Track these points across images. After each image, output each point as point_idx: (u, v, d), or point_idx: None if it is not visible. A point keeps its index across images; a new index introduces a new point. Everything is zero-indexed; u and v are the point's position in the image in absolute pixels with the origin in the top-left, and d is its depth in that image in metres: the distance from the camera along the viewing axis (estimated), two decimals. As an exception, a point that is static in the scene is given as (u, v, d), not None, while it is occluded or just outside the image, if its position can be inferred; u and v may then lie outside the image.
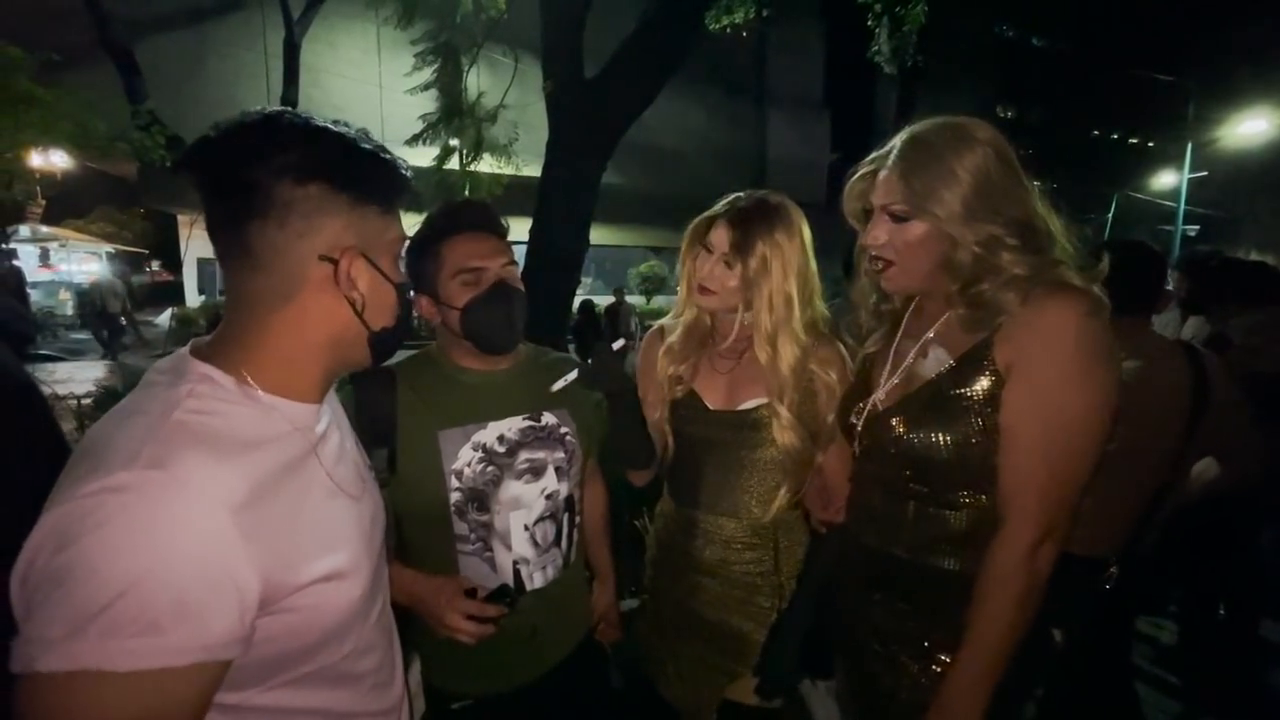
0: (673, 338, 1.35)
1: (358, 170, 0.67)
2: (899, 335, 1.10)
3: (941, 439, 0.95)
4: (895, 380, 1.06)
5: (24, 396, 1.11)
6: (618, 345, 1.17)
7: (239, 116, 0.65)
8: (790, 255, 1.21)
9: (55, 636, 0.50)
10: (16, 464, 0.95)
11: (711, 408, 1.29)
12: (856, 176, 1.07)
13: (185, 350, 0.68)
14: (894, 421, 1.01)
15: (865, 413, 1.08)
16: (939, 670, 0.99)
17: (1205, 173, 19.06)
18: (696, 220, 1.30)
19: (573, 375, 1.15)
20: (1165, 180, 21.15)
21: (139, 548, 0.52)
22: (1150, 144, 22.02)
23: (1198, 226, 20.32)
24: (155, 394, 0.63)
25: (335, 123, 0.68)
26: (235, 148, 0.63)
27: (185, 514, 0.55)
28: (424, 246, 1.14)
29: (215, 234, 0.65)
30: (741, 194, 1.27)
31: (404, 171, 0.72)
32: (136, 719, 0.52)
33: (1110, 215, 24.68)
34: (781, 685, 1.22)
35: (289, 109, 0.67)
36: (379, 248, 0.71)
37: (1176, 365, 1.59)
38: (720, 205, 1.28)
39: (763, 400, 1.25)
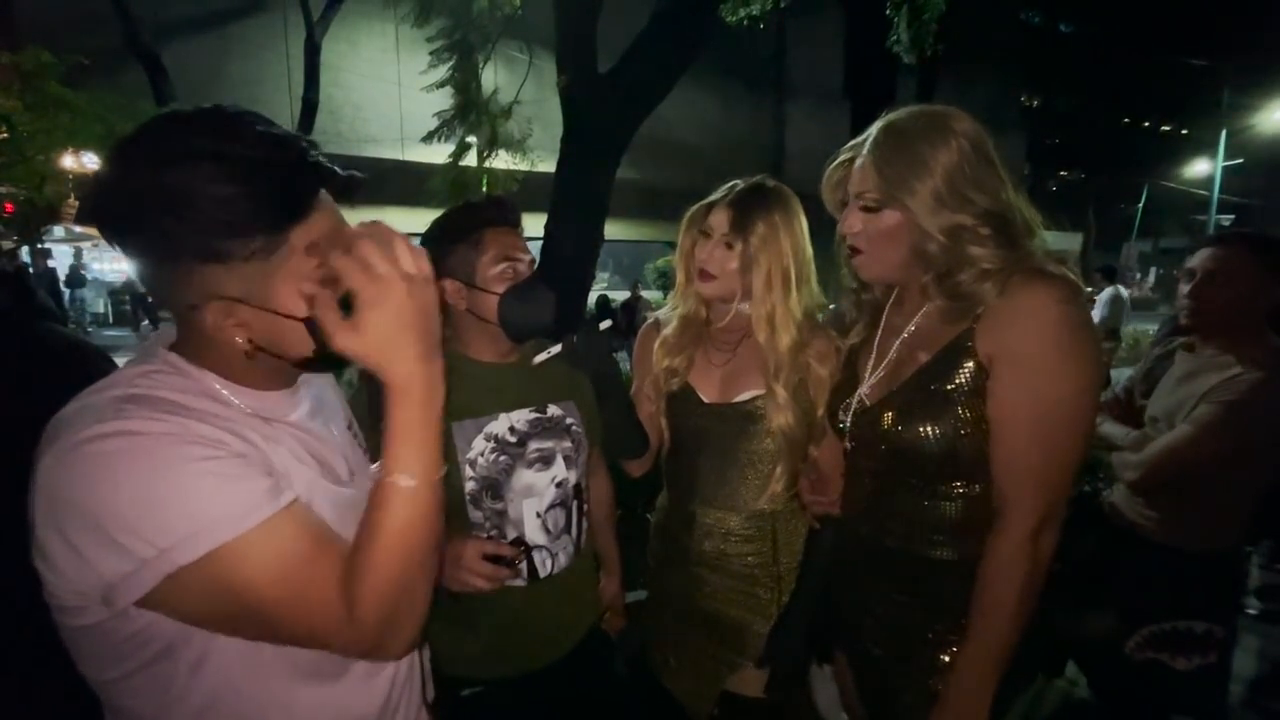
0: (668, 330, 1.35)
1: (211, 215, 0.58)
2: (881, 327, 1.10)
3: (929, 431, 0.95)
4: (880, 374, 1.06)
5: (76, 354, 1.31)
6: (604, 325, 1.19)
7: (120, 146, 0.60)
8: (787, 235, 1.22)
9: (148, 554, 0.55)
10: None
11: (707, 401, 1.30)
12: (835, 165, 1.07)
13: (155, 340, 0.70)
14: (882, 416, 1.01)
15: (853, 408, 1.08)
16: (946, 659, 0.99)
17: (1240, 160, 18.46)
18: (693, 209, 1.31)
19: (556, 349, 1.16)
20: (1199, 168, 20.49)
21: (161, 459, 0.56)
22: (1183, 131, 21.37)
23: (1233, 215, 19.70)
24: (122, 373, 0.65)
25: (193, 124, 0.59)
26: (103, 195, 0.60)
27: (180, 428, 0.59)
28: (464, 233, 1.17)
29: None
30: (739, 181, 1.28)
31: (291, 190, 0.61)
32: (273, 561, 0.58)
33: (1142, 205, 24.01)
34: (788, 680, 1.22)
35: (166, 126, 0.60)
36: (271, 284, 0.62)
37: None
38: (718, 193, 1.28)
39: (758, 392, 1.25)
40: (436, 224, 1.21)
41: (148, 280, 0.63)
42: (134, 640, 0.61)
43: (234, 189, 0.57)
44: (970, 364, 0.92)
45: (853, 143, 1.04)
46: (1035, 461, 0.89)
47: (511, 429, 1.20)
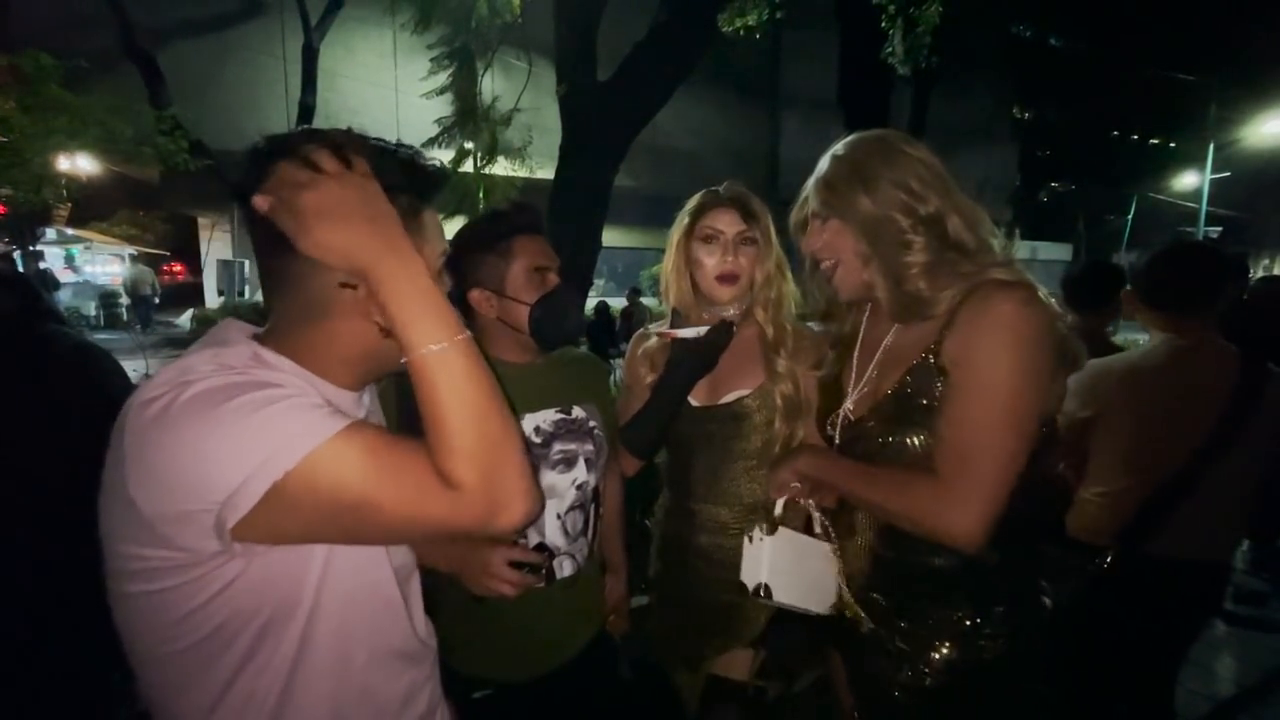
0: (649, 344, 1.39)
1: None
2: (859, 344, 1.15)
3: (913, 441, 0.98)
4: (864, 389, 1.09)
5: (83, 355, 1.36)
6: (732, 319, 1.22)
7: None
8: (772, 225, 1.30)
9: (252, 467, 0.57)
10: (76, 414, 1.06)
11: (695, 404, 1.33)
12: (797, 206, 1.13)
13: (232, 321, 0.73)
14: (867, 429, 1.05)
15: (839, 423, 1.12)
16: (938, 658, 1.01)
17: (1228, 173, 18.71)
18: (681, 229, 1.32)
19: (703, 330, 1.18)
20: (1187, 181, 20.76)
21: (252, 392, 0.60)
22: (1171, 145, 21.62)
23: (1220, 228, 19.94)
24: (200, 352, 0.67)
25: (348, 133, 0.69)
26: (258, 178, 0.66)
27: (259, 381, 0.62)
28: (492, 242, 1.18)
29: (256, 258, 0.70)
30: (709, 189, 1.32)
31: (429, 174, 0.72)
32: (365, 455, 0.61)
33: (1130, 217, 24.26)
34: (782, 669, 1.24)
35: (317, 130, 0.68)
36: None
37: (1218, 367, 1.56)
38: (698, 200, 1.32)
39: (744, 392, 1.29)
40: (464, 232, 1.22)
41: (287, 270, 0.67)
42: (207, 608, 0.62)
43: (390, 166, 0.68)
44: (941, 373, 0.96)
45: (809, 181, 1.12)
46: (982, 450, 0.90)
47: (537, 429, 1.22)
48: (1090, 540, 1.64)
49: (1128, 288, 1.76)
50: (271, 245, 0.66)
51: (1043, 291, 0.94)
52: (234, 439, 0.58)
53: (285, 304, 0.70)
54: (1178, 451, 1.55)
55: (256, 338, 0.71)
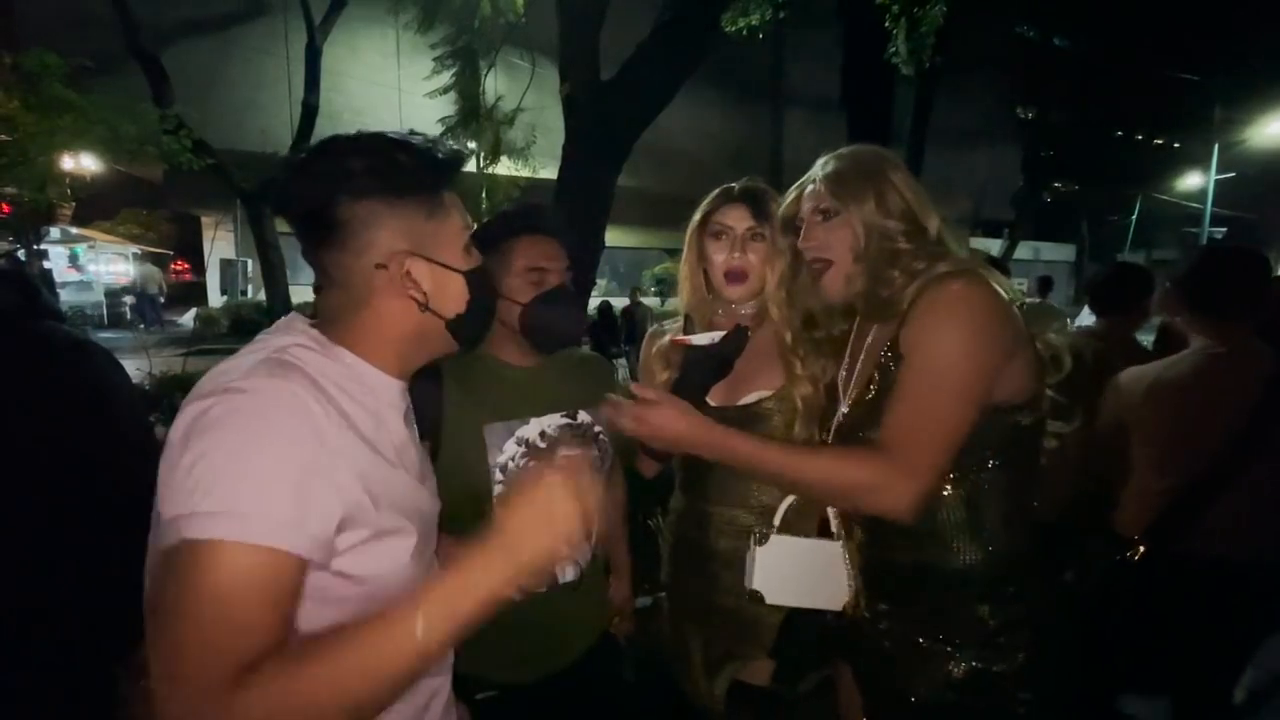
0: (664, 342, 1.37)
1: (394, 174, 0.71)
2: (847, 356, 1.16)
3: None
4: (853, 393, 1.11)
5: (80, 353, 1.33)
6: (747, 324, 1.21)
7: (301, 153, 0.74)
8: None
9: (195, 511, 0.57)
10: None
11: (713, 404, 1.30)
12: (787, 203, 1.16)
13: (296, 314, 0.77)
14: (854, 426, 1.08)
15: (833, 429, 1.13)
16: (956, 671, 1.00)
17: (1232, 174, 18.63)
18: (693, 225, 1.32)
19: (718, 335, 1.17)
20: (1191, 182, 20.69)
21: (248, 446, 0.60)
22: (1176, 145, 21.54)
23: (1225, 229, 19.85)
24: (266, 341, 0.72)
25: (360, 133, 0.74)
26: (303, 183, 0.72)
27: (290, 416, 0.63)
28: (492, 242, 1.18)
29: (307, 259, 0.75)
30: (725, 186, 1.31)
31: (442, 158, 0.75)
32: (240, 586, 0.56)
33: (1134, 218, 24.18)
34: (797, 673, 1.23)
35: (342, 136, 0.73)
36: (436, 241, 0.75)
37: (1249, 372, 1.55)
38: (711, 196, 1.31)
39: (765, 393, 1.28)
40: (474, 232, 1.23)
41: (328, 263, 0.73)
42: None
43: (406, 152, 0.72)
44: (900, 363, 1.00)
45: (799, 183, 1.14)
46: (922, 424, 0.92)
47: (543, 434, 1.22)
48: (1131, 536, 1.67)
49: (1166, 290, 1.80)
50: (312, 243, 0.73)
51: (1002, 283, 0.98)
52: (220, 478, 0.58)
53: (332, 295, 0.74)
54: (1208, 455, 1.56)
55: (319, 324, 0.75)
